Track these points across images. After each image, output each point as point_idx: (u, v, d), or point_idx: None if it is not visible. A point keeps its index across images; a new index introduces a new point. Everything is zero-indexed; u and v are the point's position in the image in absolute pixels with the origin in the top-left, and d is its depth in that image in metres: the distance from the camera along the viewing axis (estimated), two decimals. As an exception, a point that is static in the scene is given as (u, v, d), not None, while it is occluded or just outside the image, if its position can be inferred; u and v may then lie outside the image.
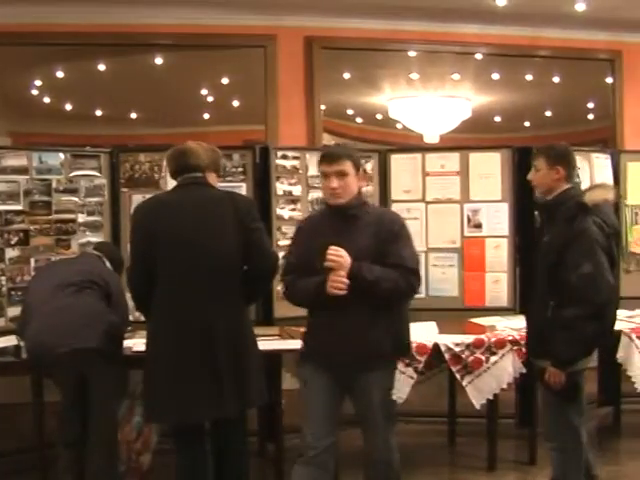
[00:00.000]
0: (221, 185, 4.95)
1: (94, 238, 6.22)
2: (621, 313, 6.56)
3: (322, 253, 4.04)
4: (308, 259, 4.17)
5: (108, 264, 5.33)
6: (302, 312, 4.44)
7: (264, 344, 5.11)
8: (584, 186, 6.83)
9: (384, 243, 4.17)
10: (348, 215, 4.22)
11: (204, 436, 4.61)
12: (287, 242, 5.63)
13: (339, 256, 4.03)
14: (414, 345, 5.42)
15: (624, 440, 6.64)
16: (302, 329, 4.53)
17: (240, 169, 6.51)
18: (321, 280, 4.07)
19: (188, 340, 4.31)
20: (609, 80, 9.04)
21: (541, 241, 4.50)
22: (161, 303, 4.40)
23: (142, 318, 4.82)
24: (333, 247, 4.04)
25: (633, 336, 5.89)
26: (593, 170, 6.98)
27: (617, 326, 6.00)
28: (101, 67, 8.63)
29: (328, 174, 4.19)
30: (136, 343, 5.25)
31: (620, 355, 5.90)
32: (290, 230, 6.11)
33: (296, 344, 4.75)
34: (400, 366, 5.33)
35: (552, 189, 4.52)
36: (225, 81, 9.23)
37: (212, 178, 4.66)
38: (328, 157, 4.23)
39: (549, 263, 4.37)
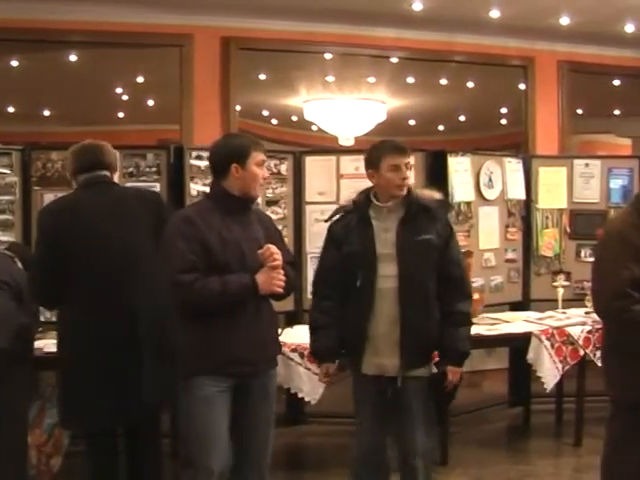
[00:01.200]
0: (135, 185, 4.90)
1: (5, 237, 6.05)
2: (531, 315, 6.70)
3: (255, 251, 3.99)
4: (225, 256, 3.99)
5: (19, 264, 5.22)
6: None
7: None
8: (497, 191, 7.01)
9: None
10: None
11: (116, 438, 4.56)
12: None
13: (278, 253, 4.00)
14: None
15: (534, 440, 6.74)
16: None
17: (154, 169, 6.43)
18: (250, 278, 3.95)
19: (103, 343, 4.26)
20: (522, 86, 9.17)
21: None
22: (79, 306, 4.34)
23: (54, 319, 4.74)
24: (271, 245, 4.00)
25: (543, 338, 5.99)
26: (505, 174, 7.08)
27: (527, 328, 6.14)
28: (14, 63, 8.47)
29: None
30: (47, 344, 5.17)
31: (530, 356, 5.99)
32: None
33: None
34: (313, 367, 5.37)
35: None
36: (140, 80, 9.13)
37: (115, 178, 4.63)
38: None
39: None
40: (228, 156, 4.09)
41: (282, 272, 3.99)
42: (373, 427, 4.40)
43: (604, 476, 4.24)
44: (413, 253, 4.21)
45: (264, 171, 4.21)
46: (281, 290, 4.02)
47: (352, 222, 4.36)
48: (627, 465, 4.04)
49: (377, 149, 4.36)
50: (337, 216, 4.46)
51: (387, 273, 4.23)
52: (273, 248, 3.97)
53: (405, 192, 4.31)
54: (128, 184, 5.97)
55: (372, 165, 4.32)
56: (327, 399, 5.62)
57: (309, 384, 5.48)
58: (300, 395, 5.56)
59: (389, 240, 4.26)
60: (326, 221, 4.53)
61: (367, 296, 4.24)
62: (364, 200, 4.37)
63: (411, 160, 4.38)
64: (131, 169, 6.34)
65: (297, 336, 5.76)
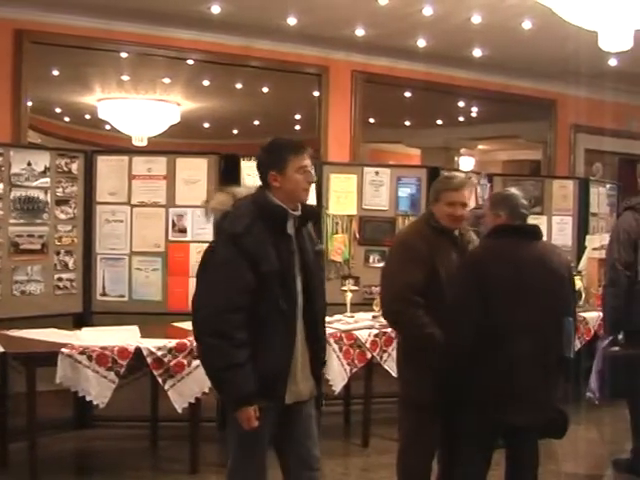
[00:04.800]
0: None
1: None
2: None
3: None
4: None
5: None
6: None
7: None
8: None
9: None
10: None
11: None
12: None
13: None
14: (115, 349, 5.39)
15: (323, 441, 6.81)
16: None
17: None
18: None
19: None
20: (316, 93, 9.32)
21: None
22: None
23: None
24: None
25: (332, 341, 6.09)
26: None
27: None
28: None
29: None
30: None
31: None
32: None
33: None
34: (101, 370, 5.30)
35: None
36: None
37: None
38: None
39: None
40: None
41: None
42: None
43: (399, 472, 4.47)
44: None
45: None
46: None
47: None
48: (418, 459, 4.41)
49: (280, 148, 3.87)
50: None
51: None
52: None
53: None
54: None
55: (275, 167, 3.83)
56: (116, 402, 5.54)
57: (97, 387, 5.38)
58: (88, 398, 5.45)
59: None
60: None
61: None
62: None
63: None
64: None
65: (86, 338, 5.68)
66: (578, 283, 7.71)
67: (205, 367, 3.78)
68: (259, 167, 3.87)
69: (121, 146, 9.66)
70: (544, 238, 4.57)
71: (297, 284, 3.79)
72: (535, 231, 4.43)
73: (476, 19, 7.78)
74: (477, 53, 9.24)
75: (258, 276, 3.63)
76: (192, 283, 6.61)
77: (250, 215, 3.70)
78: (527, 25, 7.88)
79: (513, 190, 4.62)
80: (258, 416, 3.65)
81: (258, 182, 3.89)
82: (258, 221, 3.68)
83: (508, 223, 4.31)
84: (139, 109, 9.74)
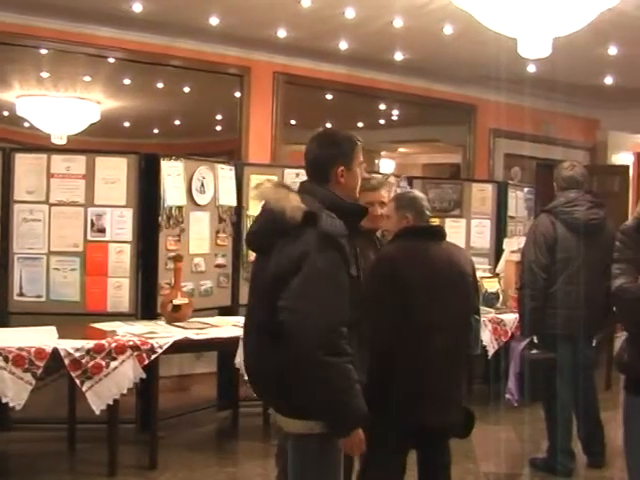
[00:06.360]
0: None
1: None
2: (240, 320, 6.80)
3: None
4: None
5: None
6: None
7: None
8: (209, 197, 7.06)
9: None
10: None
11: None
12: None
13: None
14: (32, 350, 5.32)
15: (242, 442, 6.86)
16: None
17: None
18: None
19: None
20: (237, 94, 9.32)
21: None
22: None
23: None
24: None
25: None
26: (218, 181, 7.17)
27: (236, 332, 6.25)
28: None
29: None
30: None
31: (237, 361, 6.08)
32: None
33: None
34: (18, 372, 5.23)
35: None
36: None
37: None
38: None
39: None
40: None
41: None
42: None
43: None
44: None
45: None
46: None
47: None
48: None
49: (345, 141, 3.55)
50: None
51: None
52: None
53: None
54: None
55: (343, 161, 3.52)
56: (33, 404, 5.47)
57: (14, 389, 5.30)
58: (4, 400, 5.36)
59: None
60: None
61: None
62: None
63: None
64: None
65: (2, 339, 5.57)
66: (496, 285, 7.86)
67: (324, 390, 3.20)
68: (321, 162, 3.49)
69: (40, 144, 9.49)
70: (463, 241, 4.66)
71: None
72: (441, 232, 4.52)
73: (398, 23, 7.84)
74: (399, 57, 9.33)
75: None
76: (111, 284, 6.68)
77: (333, 215, 3.33)
78: (448, 30, 7.97)
79: (416, 192, 4.70)
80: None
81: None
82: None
83: (416, 224, 4.37)
84: (59, 107, 9.60)
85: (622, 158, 12.57)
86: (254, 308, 3.49)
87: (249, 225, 7.20)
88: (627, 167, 12.47)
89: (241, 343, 6.07)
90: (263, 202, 3.46)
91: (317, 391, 3.20)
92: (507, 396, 6.09)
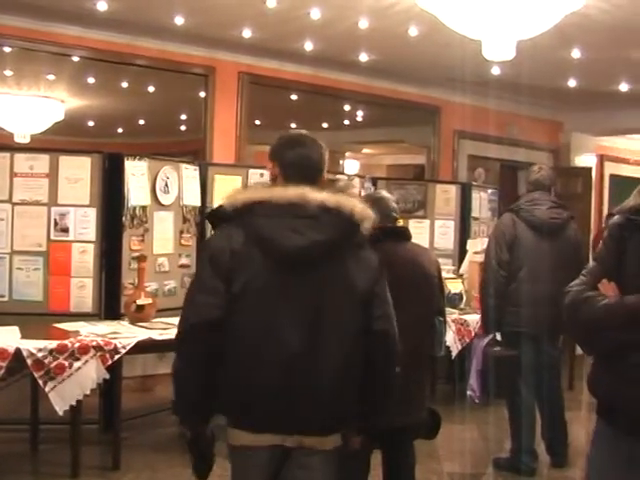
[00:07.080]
0: None
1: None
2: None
3: None
4: None
5: None
6: None
7: None
8: (173, 197, 7.05)
9: None
10: None
11: None
12: None
13: None
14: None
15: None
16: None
17: None
18: None
19: None
20: (202, 94, 9.30)
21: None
22: None
23: None
24: None
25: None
26: (182, 180, 7.15)
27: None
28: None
29: None
30: None
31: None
32: None
33: None
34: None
35: None
36: None
37: None
38: None
39: None
40: None
41: None
42: None
43: None
44: None
45: None
46: None
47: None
48: None
49: None
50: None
51: None
52: None
53: None
54: None
55: None
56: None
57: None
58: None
59: None
60: None
61: None
62: None
63: None
64: None
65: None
66: (459, 286, 7.90)
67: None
68: (323, 166, 3.42)
69: (3, 143, 9.43)
70: (427, 242, 4.68)
71: None
72: (406, 232, 4.55)
73: (363, 24, 7.86)
74: (364, 58, 9.35)
75: None
76: (74, 283, 6.64)
77: None
78: (413, 32, 7.99)
79: (384, 193, 4.71)
80: None
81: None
82: None
83: (382, 225, 4.37)
84: (22, 105, 9.56)
85: (585, 160, 12.65)
86: (324, 324, 3.17)
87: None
88: (590, 169, 12.56)
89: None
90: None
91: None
92: (469, 393, 6.13)
